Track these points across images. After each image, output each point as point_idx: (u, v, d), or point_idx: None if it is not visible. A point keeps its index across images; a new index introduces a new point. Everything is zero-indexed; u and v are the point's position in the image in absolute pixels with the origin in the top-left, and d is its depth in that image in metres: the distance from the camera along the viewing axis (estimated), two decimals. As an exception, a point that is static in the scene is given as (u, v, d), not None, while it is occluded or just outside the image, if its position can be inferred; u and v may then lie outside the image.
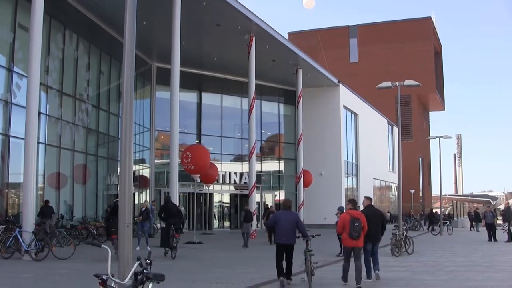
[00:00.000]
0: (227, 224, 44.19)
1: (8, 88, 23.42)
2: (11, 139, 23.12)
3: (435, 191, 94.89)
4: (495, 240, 33.24)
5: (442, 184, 47.25)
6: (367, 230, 13.71)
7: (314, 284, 13.27)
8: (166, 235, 20.98)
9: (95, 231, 25.43)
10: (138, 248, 22.07)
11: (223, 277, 14.96)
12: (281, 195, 47.12)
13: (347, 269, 13.91)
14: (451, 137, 47.40)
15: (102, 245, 7.40)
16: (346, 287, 13.77)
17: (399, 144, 30.59)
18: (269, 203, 44.76)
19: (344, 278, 13.97)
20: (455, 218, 69.87)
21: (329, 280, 15.03)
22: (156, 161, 39.79)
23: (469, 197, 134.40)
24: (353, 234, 13.35)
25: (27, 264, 17.04)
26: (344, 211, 15.20)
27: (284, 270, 13.61)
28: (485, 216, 37.21)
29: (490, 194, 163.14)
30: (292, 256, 13.67)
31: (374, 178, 59.94)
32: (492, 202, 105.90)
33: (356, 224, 13.35)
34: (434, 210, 52.63)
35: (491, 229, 34.36)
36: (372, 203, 15.80)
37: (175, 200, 25.45)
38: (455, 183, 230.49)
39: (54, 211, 24.59)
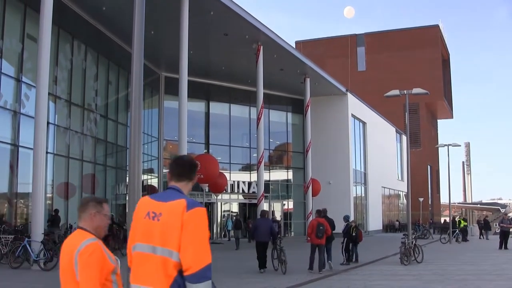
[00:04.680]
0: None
1: (17, 98, 23.52)
2: (20, 149, 23.19)
3: (444, 199, 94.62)
4: (505, 248, 33.02)
5: (451, 192, 47.10)
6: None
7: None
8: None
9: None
10: None
11: (232, 286, 14.94)
12: (289, 204, 47.09)
13: (312, 260, 18.71)
14: (460, 145, 47.24)
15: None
16: (312, 273, 18.28)
17: (408, 152, 30.50)
18: (278, 212, 44.84)
19: (310, 266, 18.66)
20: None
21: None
22: (164, 170, 39.79)
23: (478, 205, 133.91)
24: (318, 234, 18.52)
25: (36, 274, 17.06)
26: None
27: (261, 262, 18.87)
28: (502, 222, 37.01)
29: (499, 201, 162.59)
30: (266, 250, 18.98)
31: (382, 187, 59.78)
32: (501, 209, 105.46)
33: (321, 227, 18.58)
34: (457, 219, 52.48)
35: (505, 237, 34.13)
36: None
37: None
38: (464, 191, 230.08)
39: (61, 220, 24.62)
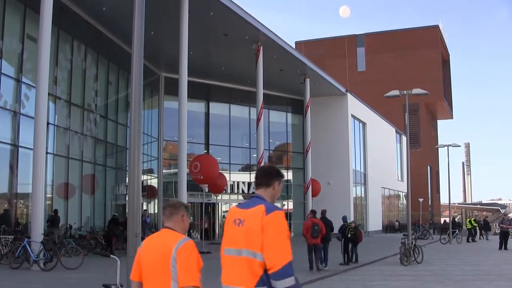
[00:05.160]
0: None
1: (16, 99, 23.53)
2: (20, 149, 23.19)
3: (443, 200, 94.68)
4: (505, 248, 33.03)
5: (450, 193, 47.11)
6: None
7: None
8: None
9: (103, 241, 25.47)
10: None
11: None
12: (289, 205, 47.08)
13: (311, 260, 19.12)
14: (460, 146, 47.27)
15: (111, 255, 7.40)
16: (312, 273, 18.55)
17: (408, 152, 30.53)
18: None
19: (311, 267, 19.04)
20: (464, 227, 69.65)
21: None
22: (164, 171, 39.81)
23: (478, 206, 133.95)
24: (313, 234, 19.01)
25: (36, 274, 17.06)
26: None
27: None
28: (502, 223, 37.04)
29: (499, 202, 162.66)
30: None
31: (382, 187, 59.78)
32: (501, 210, 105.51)
33: (315, 227, 19.12)
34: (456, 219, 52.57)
35: (505, 237, 34.16)
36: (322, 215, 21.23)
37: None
38: (464, 191, 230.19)
39: (60, 220, 24.63)
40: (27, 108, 23.46)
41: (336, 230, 23.40)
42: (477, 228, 47.25)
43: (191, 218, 37.53)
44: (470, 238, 43.67)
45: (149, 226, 31.68)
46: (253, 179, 37.21)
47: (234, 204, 43.91)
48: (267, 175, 4.59)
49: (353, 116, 49.19)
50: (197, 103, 41.56)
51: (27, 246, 18.11)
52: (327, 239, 20.14)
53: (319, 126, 44.57)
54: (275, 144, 48.65)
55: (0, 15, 22.64)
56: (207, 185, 29.11)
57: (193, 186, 32.14)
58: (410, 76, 73.83)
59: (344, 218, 23.75)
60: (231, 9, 28.22)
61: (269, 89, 40.15)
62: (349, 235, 22.58)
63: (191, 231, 31.69)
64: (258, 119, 33.55)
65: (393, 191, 65.77)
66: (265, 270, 4.12)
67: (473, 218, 49.71)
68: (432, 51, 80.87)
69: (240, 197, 43.59)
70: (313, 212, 20.77)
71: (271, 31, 32.84)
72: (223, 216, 43.73)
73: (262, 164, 33.67)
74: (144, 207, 35.12)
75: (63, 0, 25.80)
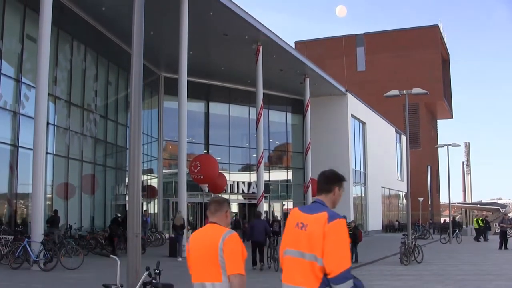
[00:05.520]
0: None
1: (16, 99, 23.52)
2: (20, 149, 23.19)
3: (443, 199, 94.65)
4: (505, 248, 33.02)
5: (450, 192, 47.11)
6: None
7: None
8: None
9: (103, 241, 25.47)
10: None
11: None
12: (289, 205, 47.08)
13: None
14: (459, 145, 47.27)
15: (111, 255, 7.40)
16: None
17: (407, 152, 30.52)
18: (277, 212, 44.96)
19: None
20: (464, 227, 69.66)
21: None
22: (164, 171, 39.81)
23: (478, 205, 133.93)
24: None
25: (36, 274, 17.06)
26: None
27: (258, 259, 20.23)
28: (502, 222, 37.05)
29: (499, 201, 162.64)
30: (262, 249, 20.25)
31: (382, 187, 59.78)
32: (501, 210, 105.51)
33: None
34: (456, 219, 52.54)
35: (505, 237, 34.17)
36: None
37: (183, 210, 25.49)
38: (464, 191, 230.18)
39: (59, 220, 24.62)
40: (27, 108, 23.46)
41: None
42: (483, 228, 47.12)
43: (191, 218, 37.55)
44: (477, 237, 43.75)
45: (149, 226, 31.66)
46: (252, 179, 37.39)
47: (234, 204, 43.97)
48: (327, 181, 4.73)
49: (353, 116, 49.20)
50: (197, 103, 41.56)
51: (27, 246, 18.10)
52: None
53: (319, 126, 44.57)
54: (275, 144, 48.65)
55: (0, 15, 22.64)
56: (207, 185, 29.11)
57: (193, 186, 32.15)
58: (410, 76, 73.81)
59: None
60: (230, 9, 28.22)
61: (269, 89, 40.16)
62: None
63: (190, 231, 31.59)
64: (258, 119, 33.55)
65: (393, 191, 65.77)
66: (325, 274, 4.30)
67: (480, 218, 49.70)
68: (432, 51, 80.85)
69: (240, 197, 43.59)
70: None
71: (271, 31, 32.83)
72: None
73: (261, 163, 33.72)
74: (144, 207, 35.11)
75: (62, 0, 25.80)
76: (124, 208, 32.09)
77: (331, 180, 4.73)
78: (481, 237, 43.85)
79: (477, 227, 44.91)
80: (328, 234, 4.30)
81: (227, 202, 5.00)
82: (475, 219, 48.27)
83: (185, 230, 24.81)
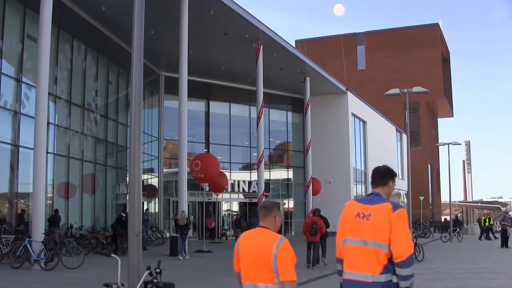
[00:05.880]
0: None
1: (17, 98, 23.52)
2: (20, 149, 23.19)
3: (444, 198, 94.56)
4: (506, 246, 33.02)
5: (451, 191, 47.11)
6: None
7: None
8: None
9: (104, 241, 25.48)
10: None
11: (232, 286, 14.94)
12: (290, 203, 47.08)
13: (309, 256, 20.09)
14: (460, 144, 47.27)
15: (112, 255, 7.40)
16: (309, 269, 19.53)
17: (408, 151, 30.54)
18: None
19: (308, 262, 20.00)
20: (464, 225, 69.73)
21: None
22: (164, 170, 39.80)
23: (479, 204, 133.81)
24: (311, 232, 20.04)
25: (37, 274, 17.06)
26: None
27: None
28: (503, 220, 37.07)
29: (499, 200, 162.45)
30: None
31: (383, 186, 59.66)
32: (502, 208, 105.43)
33: (314, 225, 20.07)
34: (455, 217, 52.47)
35: (505, 235, 34.16)
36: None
37: (184, 209, 25.49)
38: (464, 189, 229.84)
39: (60, 219, 24.62)
40: (27, 108, 23.46)
41: (331, 228, 23.51)
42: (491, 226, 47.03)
43: (192, 217, 37.55)
44: (484, 235, 43.76)
45: (150, 225, 31.65)
46: (253, 178, 37.48)
47: (235, 203, 44.00)
48: (382, 176, 5.20)
49: (353, 114, 49.17)
50: (197, 102, 41.56)
51: (28, 246, 18.11)
52: (323, 236, 20.88)
53: (320, 124, 44.54)
54: (276, 143, 48.62)
55: (0, 15, 22.64)
56: (207, 184, 29.11)
57: (193, 185, 32.13)
58: (410, 75, 73.71)
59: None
60: (231, 8, 28.21)
61: (269, 87, 40.15)
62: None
63: (192, 230, 31.75)
64: (259, 118, 33.55)
65: (393, 189, 65.73)
66: (389, 259, 4.71)
67: (488, 216, 49.69)
68: (432, 49, 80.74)
69: (241, 196, 43.59)
70: (315, 211, 21.72)
71: (271, 30, 32.82)
72: (224, 215, 43.78)
73: (262, 162, 33.73)
74: (145, 207, 35.12)
75: (63, -1, 25.81)
76: (125, 208, 32.10)
77: (386, 175, 5.20)
78: (490, 235, 43.85)
79: (486, 225, 44.85)
80: (395, 222, 4.74)
81: (277, 207, 5.23)
82: (483, 218, 48.23)
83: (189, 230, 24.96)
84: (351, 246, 4.91)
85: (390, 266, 4.71)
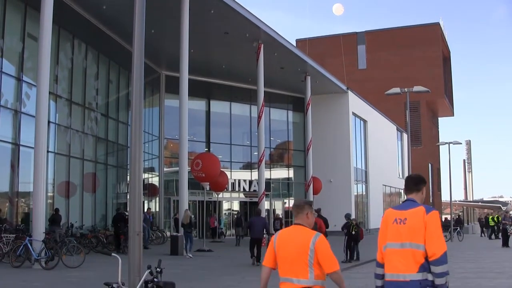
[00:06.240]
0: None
1: (17, 97, 23.53)
2: (21, 148, 23.20)
3: (445, 197, 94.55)
4: (507, 246, 33.00)
5: (452, 190, 47.12)
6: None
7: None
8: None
9: (104, 240, 25.47)
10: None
11: (234, 285, 14.95)
12: (290, 203, 47.07)
13: None
14: (461, 143, 47.30)
15: (112, 254, 7.39)
16: None
17: (409, 150, 30.56)
18: (279, 210, 45.07)
19: None
20: (465, 224, 69.83)
21: None
22: (165, 169, 39.81)
23: (479, 203, 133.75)
24: None
25: (37, 273, 17.07)
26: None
27: (255, 256, 20.58)
28: (504, 220, 37.07)
29: (500, 199, 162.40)
30: (260, 246, 20.72)
31: (383, 185, 59.74)
32: (502, 207, 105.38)
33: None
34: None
35: (506, 235, 34.15)
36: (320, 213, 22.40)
37: (185, 208, 25.49)
38: (465, 189, 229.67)
39: (61, 219, 24.62)
40: (28, 107, 23.46)
41: (339, 228, 23.59)
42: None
43: (193, 217, 37.55)
44: (493, 234, 43.77)
45: (151, 224, 31.63)
46: (254, 177, 37.67)
47: (236, 202, 44.02)
48: (416, 182, 5.68)
49: (354, 113, 49.17)
50: (198, 101, 41.58)
51: (29, 245, 18.12)
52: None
53: (320, 124, 44.55)
54: (276, 142, 48.61)
55: (0, 14, 22.65)
56: (208, 183, 29.11)
57: (194, 184, 32.14)
58: (411, 74, 73.65)
59: (348, 216, 23.77)
60: (231, 7, 28.22)
61: (270, 87, 40.16)
62: (353, 232, 22.62)
63: (193, 229, 31.66)
64: (259, 117, 33.56)
65: (394, 189, 65.71)
66: (425, 258, 5.15)
67: (496, 215, 49.66)
68: (433, 48, 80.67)
69: (242, 195, 43.60)
70: (315, 210, 21.59)
71: (272, 29, 32.83)
72: (225, 214, 43.81)
73: (263, 161, 33.76)
74: (146, 205, 35.12)
75: (63, -2, 25.80)
76: (126, 206, 32.10)
77: (419, 182, 5.69)
78: (494, 234, 43.84)
79: (492, 224, 44.80)
80: (429, 223, 5.20)
81: (308, 204, 5.64)
82: (490, 217, 48.17)
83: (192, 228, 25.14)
84: (390, 250, 5.40)
85: (426, 264, 5.15)
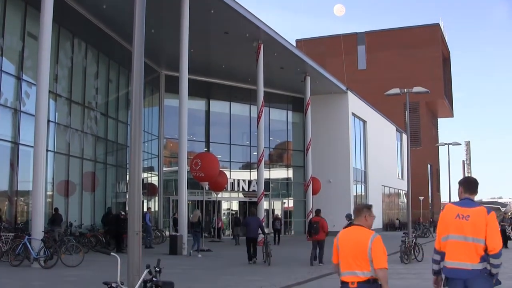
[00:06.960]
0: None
1: (17, 96, 23.51)
2: (20, 147, 23.17)
3: (444, 198, 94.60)
4: (506, 247, 32.93)
5: (451, 191, 47.12)
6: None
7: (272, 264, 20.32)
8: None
9: (104, 239, 25.44)
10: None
11: (232, 285, 14.94)
12: (289, 203, 47.09)
13: (313, 255, 20.80)
14: (460, 144, 47.30)
15: (111, 253, 7.39)
16: (312, 267, 19.90)
17: (408, 151, 30.50)
18: (278, 210, 45.06)
19: (311, 261, 20.71)
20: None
21: None
22: (164, 168, 39.80)
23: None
24: (312, 231, 21.07)
25: (36, 272, 17.06)
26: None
27: (252, 254, 21.27)
28: (503, 221, 37.04)
29: (499, 200, 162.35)
30: (256, 245, 21.63)
31: (382, 185, 59.77)
32: (501, 208, 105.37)
33: (314, 225, 20.97)
34: None
35: (505, 235, 34.10)
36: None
37: (184, 208, 25.49)
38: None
39: (62, 218, 24.61)
40: (27, 106, 23.44)
41: (338, 228, 23.56)
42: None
43: (192, 216, 37.51)
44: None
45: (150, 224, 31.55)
46: (253, 177, 37.53)
47: (235, 202, 44.04)
48: (477, 185, 6.60)
49: (353, 114, 49.18)
50: (197, 101, 41.60)
51: (28, 244, 18.11)
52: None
53: (320, 124, 44.55)
54: (276, 142, 48.63)
55: (1, 13, 22.62)
56: (207, 183, 29.11)
57: (193, 184, 32.14)
58: (411, 74, 73.73)
59: (349, 216, 23.72)
60: (231, 7, 28.23)
61: (270, 87, 40.15)
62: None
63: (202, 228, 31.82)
64: (259, 117, 33.57)
65: (393, 189, 65.76)
66: (485, 250, 6.18)
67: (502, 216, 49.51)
68: (433, 49, 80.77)
69: (241, 195, 43.61)
70: (316, 211, 22.29)
71: (272, 29, 32.83)
72: (225, 213, 43.81)
73: (262, 161, 33.73)
74: (145, 205, 35.09)
75: (63, -3, 25.78)
76: (125, 206, 32.08)
77: (476, 185, 6.61)
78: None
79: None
80: (490, 223, 6.19)
81: (366, 208, 6.37)
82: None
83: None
84: (453, 242, 6.35)
85: (486, 256, 6.21)
